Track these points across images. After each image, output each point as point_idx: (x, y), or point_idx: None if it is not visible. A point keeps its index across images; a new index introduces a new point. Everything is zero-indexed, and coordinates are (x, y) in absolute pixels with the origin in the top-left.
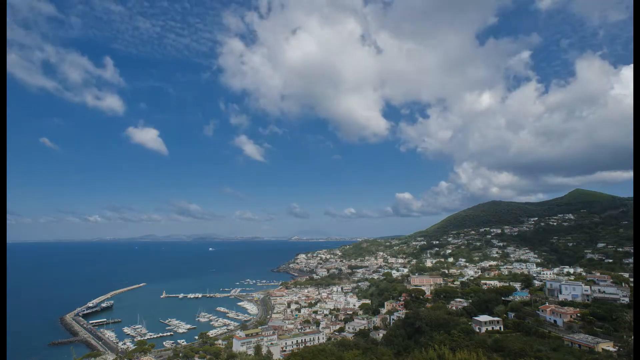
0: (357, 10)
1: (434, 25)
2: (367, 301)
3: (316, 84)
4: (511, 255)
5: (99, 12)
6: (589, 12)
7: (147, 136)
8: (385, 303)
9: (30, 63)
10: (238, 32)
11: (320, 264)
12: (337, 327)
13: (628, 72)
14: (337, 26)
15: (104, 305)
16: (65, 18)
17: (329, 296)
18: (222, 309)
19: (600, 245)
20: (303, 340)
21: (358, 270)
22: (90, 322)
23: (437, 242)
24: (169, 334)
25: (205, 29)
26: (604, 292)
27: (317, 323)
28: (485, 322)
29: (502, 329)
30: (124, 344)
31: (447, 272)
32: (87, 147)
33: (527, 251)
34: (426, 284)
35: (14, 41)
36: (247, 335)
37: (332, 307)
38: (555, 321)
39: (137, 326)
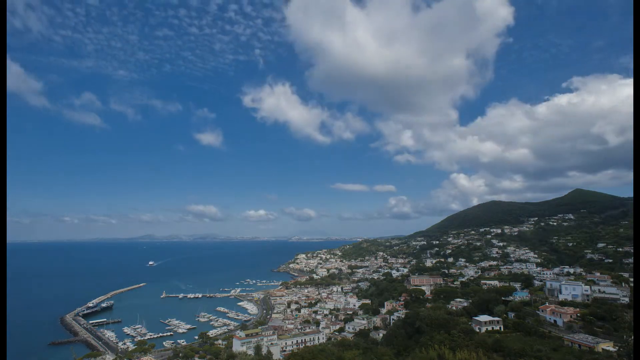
0: None
1: None
2: (367, 301)
3: None
4: (511, 255)
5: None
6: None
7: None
8: (385, 303)
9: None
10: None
11: (320, 264)
12: (337, 327)
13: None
14: None
15: (104, 305)
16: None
17: (329, 296)
18: (222, 309)
19: (600, 245)
20: (303, 340)
21: (358, 270)
22: (90, 322)
23: (437, 242)
24: (169, 334)
25: (199, 57)
26: (604, 292)
27: (317, 323)
28: (485, 322)
29: (502, 329)
30: (124, 344)
31: (447, 272)
32: (87, 147)
33: (527, 251)
34: (426, 284)
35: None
36: (247, 335)
37: (332, 307)
38: (555, 321)
39: (137, 326)
